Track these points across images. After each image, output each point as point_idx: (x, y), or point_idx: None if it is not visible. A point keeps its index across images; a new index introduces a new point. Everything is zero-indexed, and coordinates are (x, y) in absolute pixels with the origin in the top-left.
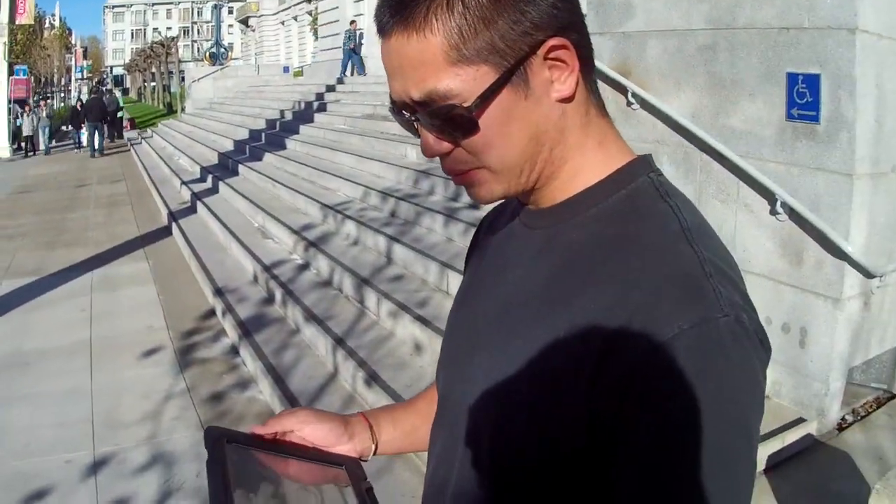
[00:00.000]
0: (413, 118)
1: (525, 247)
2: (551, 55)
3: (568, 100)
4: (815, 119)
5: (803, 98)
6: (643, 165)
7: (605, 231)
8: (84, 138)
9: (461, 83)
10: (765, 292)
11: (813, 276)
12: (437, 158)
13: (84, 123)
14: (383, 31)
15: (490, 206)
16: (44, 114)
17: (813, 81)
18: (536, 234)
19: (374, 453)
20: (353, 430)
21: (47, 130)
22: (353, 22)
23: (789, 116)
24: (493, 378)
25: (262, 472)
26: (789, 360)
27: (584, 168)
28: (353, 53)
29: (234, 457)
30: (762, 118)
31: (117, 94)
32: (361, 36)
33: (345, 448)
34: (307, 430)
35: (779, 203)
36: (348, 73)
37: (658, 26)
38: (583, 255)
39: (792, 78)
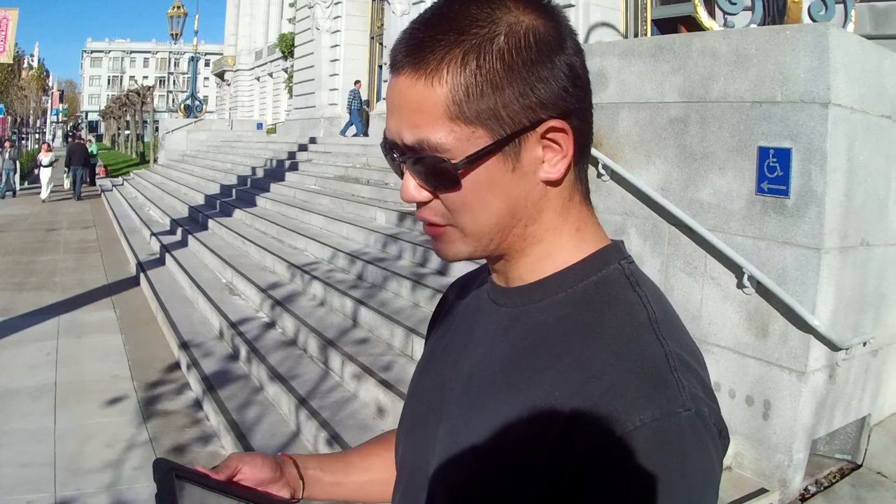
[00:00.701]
0: (400, 160)
1: (491, 322)
2: (548, 135)
3: (554, 183)
4: (785, 193)
5: (774, 172)
6: (615, 253)
7: (573, 316)
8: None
9: (454, 139)
10: (729, 365)
11: (778, 348)
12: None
13: (67, 168)
14: (395, 67)
15: (457, 269)
16: (7, 155)
17: (784, 155)
18: (503, 312)
19: (303, 494)
20: (282, 466)
21: (11, 173)
22: (357, 82)
23: (759, 190)
24: (453, 450)
25: None
26: (752, 432)
27: (556, 251)
28: (358, 114)
29: (182, 491)
30: (732, 192)
31: (92, 140)
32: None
33: (279, 484)
34: (245, 469)
35: (746, 276)
36: (350, 133)
37: (630, 98)
38: (548, 339)
39: (763, 152)
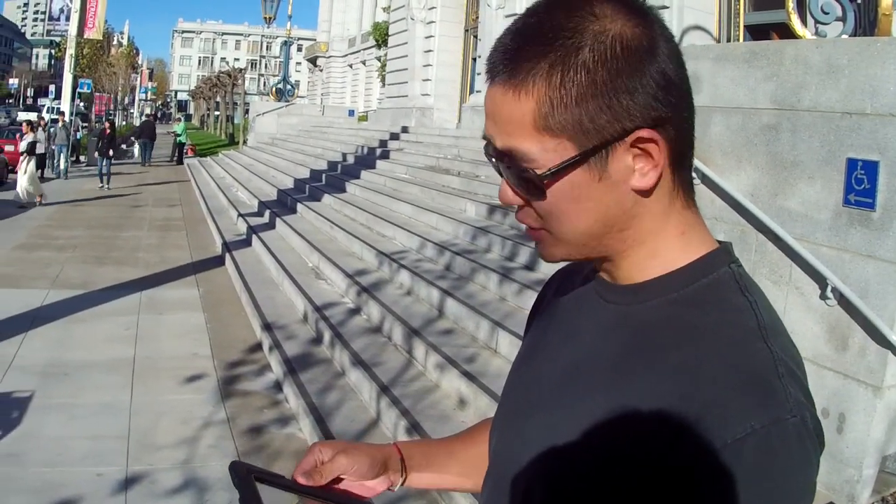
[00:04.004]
0: (495, 164)
1: (598, 318)
2: (638, 145)
3: (645, 192)
4: (871, 206)
5: (861, 184)
6: (725, 255)
7: (683, 318)
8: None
9: (540, 150)
10: (808, 376)
11: (856, 362)
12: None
13: (135, 142)
14: (490, 75)
15: (546, 266)
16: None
17: (871, 168)
18: (611, 309)
19: (402, 484)
20: (388, 460)
21: (66, 150)
22: None
23: (846, 202)
24: (551, 441)
25: None
26: (825, 444)
27: (663, 253)
28: None
29: (262, 494)
30: (819, 202)
31: (181, 118)
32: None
33: (379, 479)
34: (343, 460)
35: (829, 288)
36: None
37: (723, 103)
38: (658, 339)
39: (851, 163)
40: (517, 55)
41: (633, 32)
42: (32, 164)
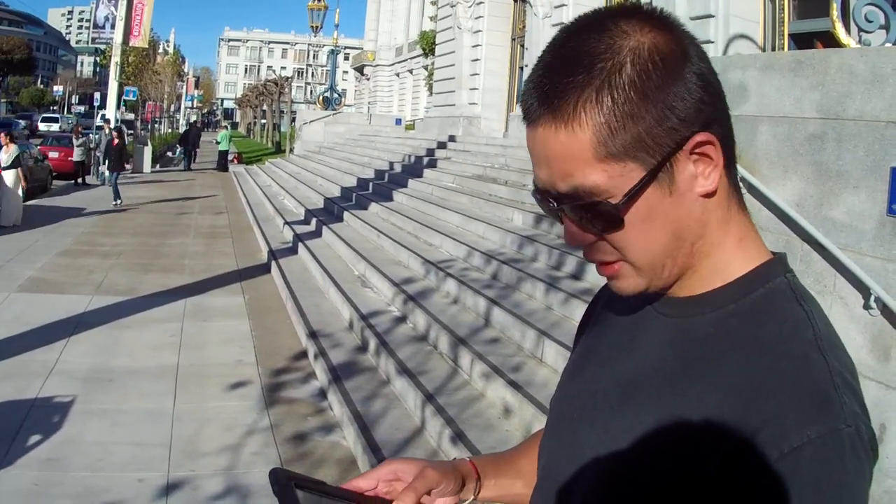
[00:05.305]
0: (557, 208)
1: (655, 331)
2: (697, 150)
3: (710, 195)
4: None
5: None
6: (780, 265)
7: (741, 331)
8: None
9: (608, 179)
10: None
11: None
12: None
13: (179, 146)
14: (529, 118)
15: (593, 274)
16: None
17: None
18: (670, 323)
19: (474, 499)
20: (466, 478)
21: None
22: None
23: (890, 212)
24: (609, 453)
25: None
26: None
27: (723, 264)
28: None
29: (303, 501)
30: (863, 211)
31: (227, 126)
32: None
33: (454, 497)
34: (434, 475)
35: (872, 297)
36: None
37: (770, 112)
38: (716, 351)
39: (895, 173)
40: (557, 90)
41: (665, 40)
42: (10, 180)
